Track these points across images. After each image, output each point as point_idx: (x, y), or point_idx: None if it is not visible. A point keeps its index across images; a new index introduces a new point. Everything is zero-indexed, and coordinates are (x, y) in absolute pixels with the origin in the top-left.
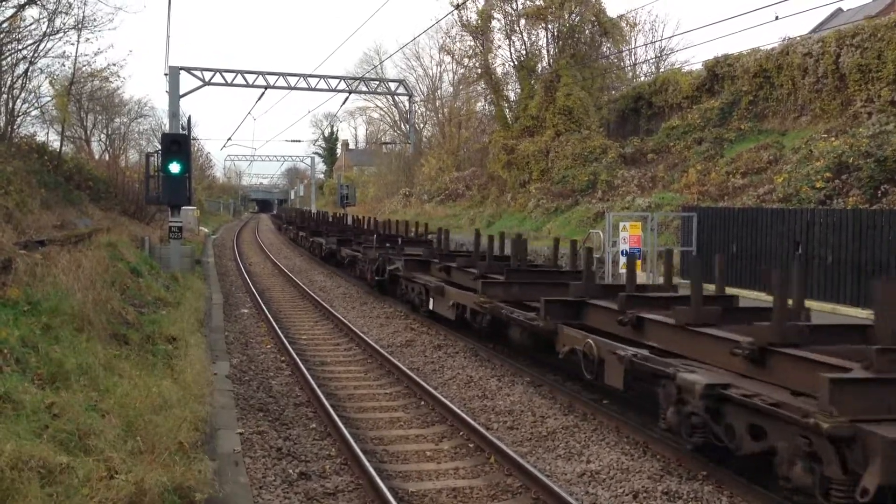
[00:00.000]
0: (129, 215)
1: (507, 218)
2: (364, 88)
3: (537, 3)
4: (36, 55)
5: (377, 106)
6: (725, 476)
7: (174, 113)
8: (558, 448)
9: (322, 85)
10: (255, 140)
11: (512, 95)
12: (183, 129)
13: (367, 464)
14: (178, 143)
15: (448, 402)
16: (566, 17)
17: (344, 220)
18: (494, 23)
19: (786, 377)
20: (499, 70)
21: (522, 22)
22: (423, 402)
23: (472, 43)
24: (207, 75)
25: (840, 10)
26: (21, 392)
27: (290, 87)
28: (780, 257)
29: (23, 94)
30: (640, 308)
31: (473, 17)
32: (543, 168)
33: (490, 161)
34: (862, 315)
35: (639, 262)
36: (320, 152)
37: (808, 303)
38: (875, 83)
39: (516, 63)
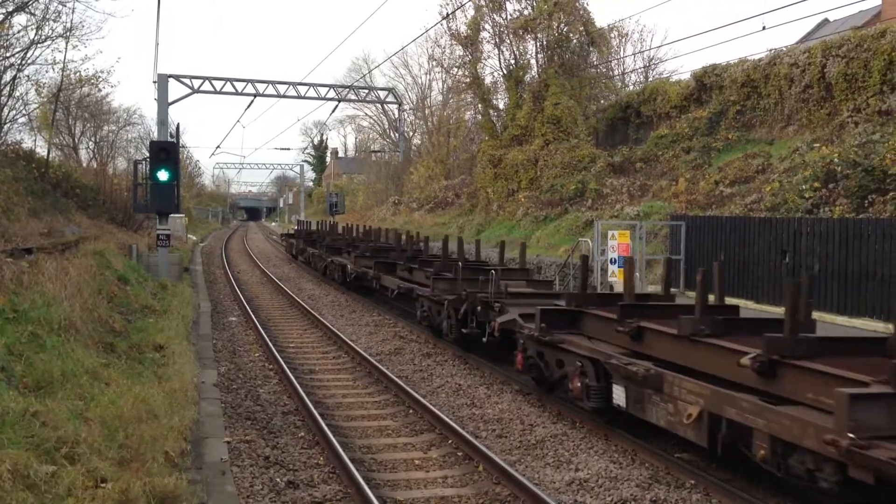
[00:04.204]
0: (116, 223)
1: (495, 226)
2: (353, 97)
3: (525, 13)
4: (24, 62)
5: (366, 114)
6: (713, 484)
7: (163, 121)
8: (547, 456)
9: (311, 93)
10: (244, 148)
11: (501, 105)
12: (171, 136)
13: (356, 472)
14: (166, 151)
15: (437, 411)
16: (555, 27)
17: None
18: (483, 33)
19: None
20: (487, 80)
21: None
22: (411, 411)
23: (461, 53)
24: (196, 83)
25: (826, 20)
26: (6, 400)
27: (279, 95)
28: (768, 266)
29: (10, 102)
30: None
31: (463, 27)
32: (532, 177)
33: (477, 176)
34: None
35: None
36: (310, 160)
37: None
38: (861, 93)
39: (505, 73)
